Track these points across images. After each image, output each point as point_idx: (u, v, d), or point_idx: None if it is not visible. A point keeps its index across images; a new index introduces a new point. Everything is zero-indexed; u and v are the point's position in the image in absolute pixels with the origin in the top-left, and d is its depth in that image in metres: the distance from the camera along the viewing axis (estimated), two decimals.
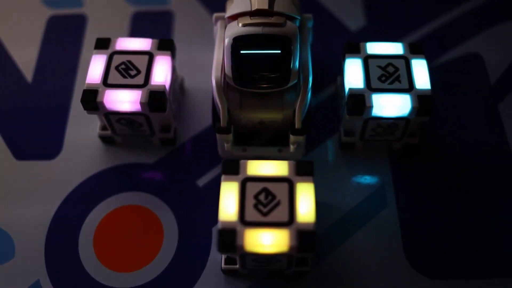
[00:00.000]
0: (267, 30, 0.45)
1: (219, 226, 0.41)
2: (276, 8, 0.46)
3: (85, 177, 0.53)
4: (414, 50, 0.51)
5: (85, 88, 0.49)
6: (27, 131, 0.57)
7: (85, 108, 0.50)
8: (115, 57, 0.51)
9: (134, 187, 0.53)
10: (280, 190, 0.43)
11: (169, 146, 0.55)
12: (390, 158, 0.54)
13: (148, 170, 0.54)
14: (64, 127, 0.57)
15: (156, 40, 0.52)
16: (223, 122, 0.49)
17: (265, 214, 0.42)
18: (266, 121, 0.50)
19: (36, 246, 0.50)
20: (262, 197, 0.42)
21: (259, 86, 0.48)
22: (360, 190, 0.52)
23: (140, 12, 0.66)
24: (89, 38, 0.63)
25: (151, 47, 0.52)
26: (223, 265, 0.48)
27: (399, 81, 0.49)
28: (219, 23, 0.53)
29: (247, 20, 0.46)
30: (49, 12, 0.66)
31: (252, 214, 0.41)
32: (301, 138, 0.49)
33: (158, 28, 0.64)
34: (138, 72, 0.50)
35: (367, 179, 0.53)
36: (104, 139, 0.55)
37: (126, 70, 0.50)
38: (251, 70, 0.47)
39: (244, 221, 0.41)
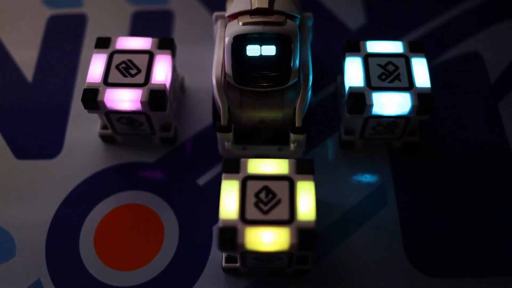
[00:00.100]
0: (267, 29, 0.45)
1: (219, 224, 0.41)
2: (276, 7, 0.46)
3: (85, 176, 0.54)
4: (414, 48, 0.51)
5: (85, 87, 0.49)
6: (28, 131, 0.57)
7: (85, 107, 0.50)
8: (116, 56, 0.51)
9: (134, 186, 0.53)
10: (280, 188, 0.42)
11: (169, 145, 0.55)
12: (390, 156, 0.54)
13: (149, 169, 0.54)
14: (65, 126, 0.57)
15: (156, 39, 0.52)
16: (223, 121, 0.49)
17: (265, 212, 0.42)
18: (266, 119, 0.50)
19: (37, 245, 0.50)
20: (262, 195, 0.42)
21: (259, 84, 0.48)
22: (360, 189, 0.52)
23: (140, 11, 0.66)
24: (89, 38, 0.63)
25: (152, 46, 0.52)
26: (223, 264, 0.48)
27: (399, 80, 0.49)
28: (219, 22, 0.53)
29: (247, 19, 0.46)
30: (49, 12, 0.66)
31: (252, 212, 0.41)
32: (301, 137, 0.49)
33: (158, 27, 0.64)
34: (139, 71, 0.50)
35: (367, 178, 0.53)
36: (104, 138, 0.55)
37: (127, 69, 0.50)
38: (251, 69, 0.47)
39: (245, 219, 0.41)
